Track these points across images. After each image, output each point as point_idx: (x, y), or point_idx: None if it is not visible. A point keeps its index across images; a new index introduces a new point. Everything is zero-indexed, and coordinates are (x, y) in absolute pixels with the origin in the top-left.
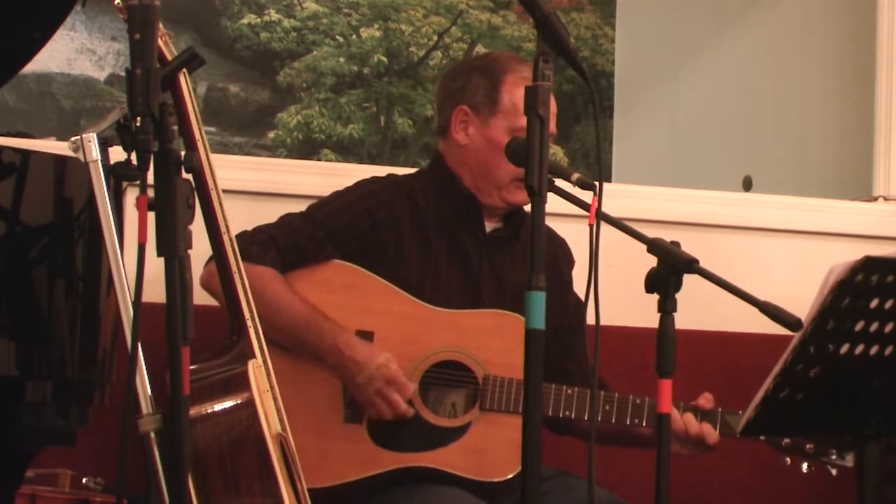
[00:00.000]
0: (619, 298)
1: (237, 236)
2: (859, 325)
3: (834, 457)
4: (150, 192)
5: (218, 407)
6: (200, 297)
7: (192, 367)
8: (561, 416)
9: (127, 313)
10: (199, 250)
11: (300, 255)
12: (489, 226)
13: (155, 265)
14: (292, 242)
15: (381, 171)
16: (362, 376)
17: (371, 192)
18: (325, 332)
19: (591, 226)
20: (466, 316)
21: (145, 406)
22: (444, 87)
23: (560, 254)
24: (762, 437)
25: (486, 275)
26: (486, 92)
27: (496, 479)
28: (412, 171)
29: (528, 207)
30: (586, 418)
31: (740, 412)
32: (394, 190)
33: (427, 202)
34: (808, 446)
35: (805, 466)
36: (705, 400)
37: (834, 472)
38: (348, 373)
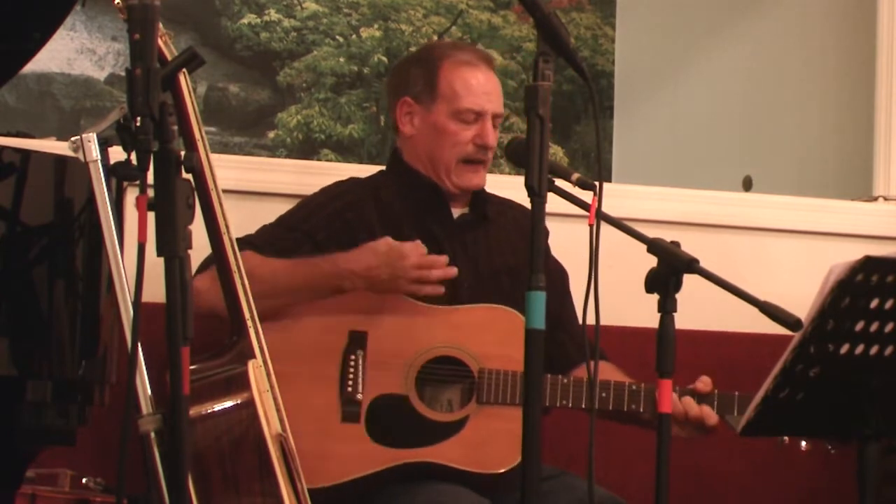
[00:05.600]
0: (619, 298)
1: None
2: (859, 325)
3: None
4: (150, 192)
5: (218, 407)
6: None
7: (192, 367)
8: (558, 405)
9: (127, 313)
10: (200, 250)
11: (278, 251)
12: (456, 212)
13: (155, 265)
14: (267, 240)
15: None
16: (383, 272)
17: (336, 195)
18: (322, 265)
19: (591, 226)
20: (459, 312)
21: (145, 406)
22: (389, 84)
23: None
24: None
25: (461, 260)
26: (424, 80)
27: (497, 471)
28: (374, 170)
29: (494, 192)
30: (584, 406)
31: (736, 393)
32: (358, 190)
33: (392, 198)
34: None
35: (803, 444)
36: (703, 384)
37: (832, 450)
38: (370, 281)
